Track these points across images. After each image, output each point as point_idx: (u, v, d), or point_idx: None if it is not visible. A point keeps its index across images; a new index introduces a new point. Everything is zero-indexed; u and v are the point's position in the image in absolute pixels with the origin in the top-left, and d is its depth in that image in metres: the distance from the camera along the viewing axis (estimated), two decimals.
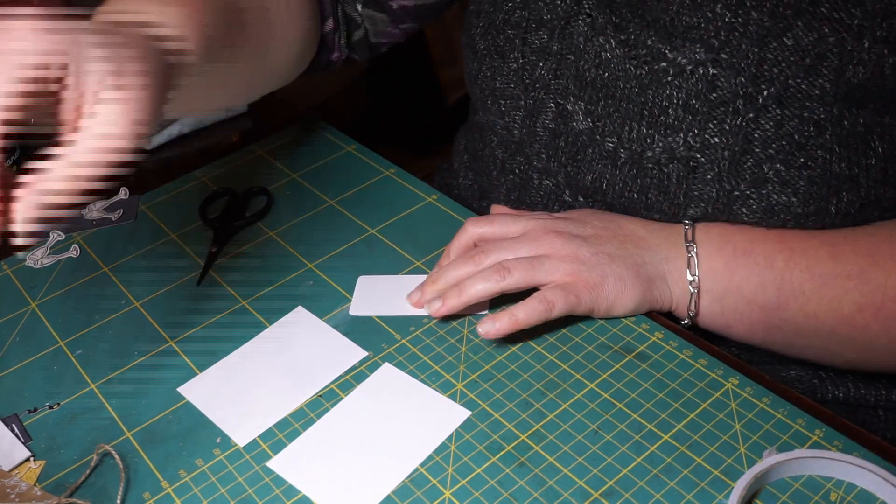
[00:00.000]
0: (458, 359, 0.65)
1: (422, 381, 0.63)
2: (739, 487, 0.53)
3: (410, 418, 0.61)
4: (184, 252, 0.77)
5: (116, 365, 0.67)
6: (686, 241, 0.66)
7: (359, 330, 0.68)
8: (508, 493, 0.56)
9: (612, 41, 0.66)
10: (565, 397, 0.61)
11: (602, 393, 0.61)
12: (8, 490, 0.58)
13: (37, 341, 0.69)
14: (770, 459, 0.54)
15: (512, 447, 0.58)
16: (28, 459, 0.60)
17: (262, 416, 0.62)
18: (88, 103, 0.47)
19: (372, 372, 0.64)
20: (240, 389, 0.64)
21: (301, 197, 0.82)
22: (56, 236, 0.79)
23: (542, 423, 0.60)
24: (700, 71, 0.63)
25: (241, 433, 0.61)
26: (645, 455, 0.57)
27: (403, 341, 0.67)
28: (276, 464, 0.59)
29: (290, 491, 0.57)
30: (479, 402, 0.62)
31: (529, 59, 0.71)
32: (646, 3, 0.65)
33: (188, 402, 0.64)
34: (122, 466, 0.58)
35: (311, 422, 0.61)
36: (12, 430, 0.62)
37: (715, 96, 0.63)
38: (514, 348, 0.65)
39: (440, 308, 0.66)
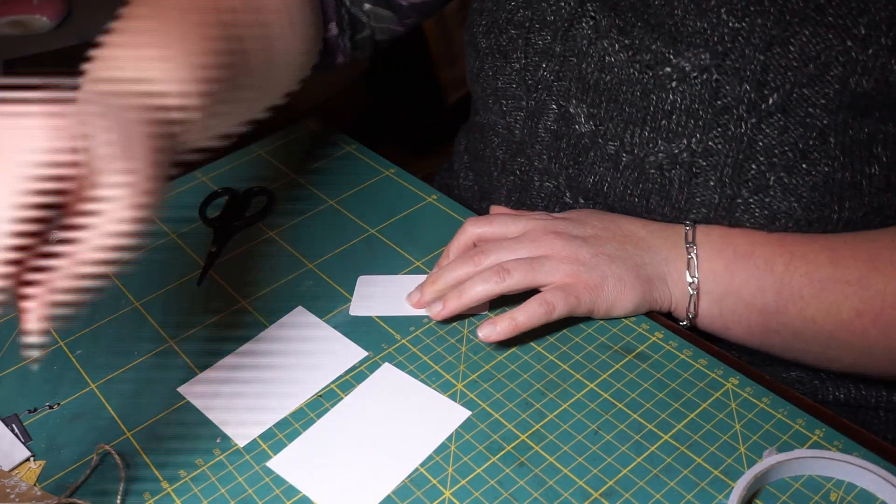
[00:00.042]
0: (458, 359, 0.65)
1: (422, 381, 0.63)
2: (739, 487, 0.53)
3: (410, 418, 0.61)
4: (184, 252, 0.77)
5: (116, 365, 0.67)
6: (686, 242, 0.66)
7: (359, 330, 0.68)
8: (508, 493, 0.56)
9: (616, 45, 0.66)
10: (565, 397, 0.61)
11: (602, 393, 0.61)
12: (8, 490, 0.58)
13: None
14: (770, 459, 0.54)
15: (512, 447, 0.58)
16: (28, 459, 0.60)
17: (262, 416, 0.62)
18: (95, 192, 0.47)
19: (372, 372, 0.64)
20: (240, 389, 0.64)
21: (301, 197, 0.82)
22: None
23: (542, 423, 0.60)
24: (704, 76, 0.62)
25: (241, 433, 0.61)
26: (645, 455, 0.57)
27: (403, 341, 0.67)
28: (276, 464, 0.59)
29: (290, 491, 0.57)
30: (479, 402, 0.62)
31: (532, 59, 0.71)
32: (650, 7, 0.64)
33: (188, 402, 0.64)
34: (122, 466, 0.58)
35: (311, 422, 0.61)
36: (12, 430, 0.62)
37: (719, 102, 0.62)
38: (514, 348, 0.65)
39: (441, 310, 0.66)
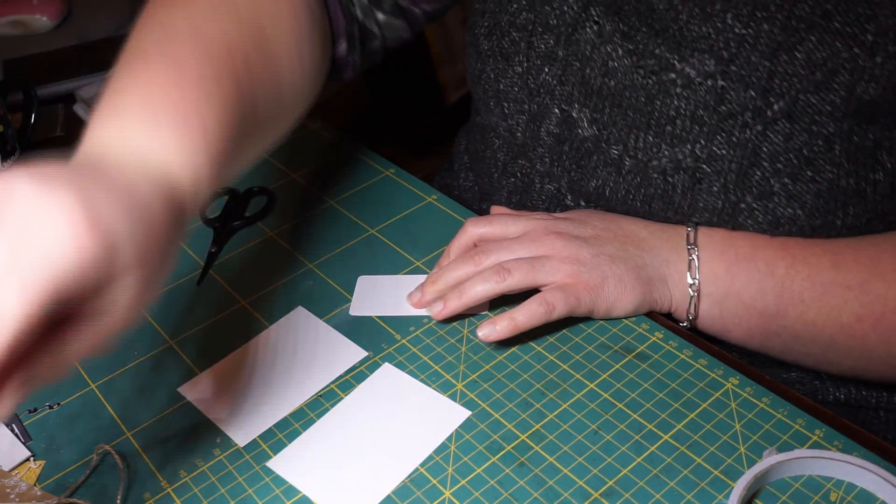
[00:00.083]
0: (458, 359, 0.65)
1: (422, 381, 0.63)
2: (739, 487, 0.53)
3: (410, 418, 0.61)
4: (184, 252, 0.77)
5: (116, 365, 0.67)
6: (688, 243, 0.66)
7: (359, 330, 0.68)
8: (508, 493, 0.56)
9: (620, 50, 0.66)
10: (565, 397, 0.61)
11: (602, 393, 0.61)
12: (8, 490, 0.58)
13: None
14: (770, 459, 0.54)
15: (512, 447, 0.58)
16: (28, 459, 0.60)
17: (262, 416, 0.62)
18: (101, 297, 0.44)
19: (372, 372, 0.64)
20: (240, 389, 0.64)
21: (301, 197, 0.82)
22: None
23: (542, 423, 0.60)
24: (709, 83, 0.62)
25: (241, 433, 0.61)
26: (645, 455, 0.57)
27: (403, 341, 0.67)
28: (276, 464, 0.59)
29: (290, 491, 0.57)
30: (479, 402, 0.62)
31: (534, 63, 0.71)
32: (655, 13, 0.64)
33: (188, 402, 0.64)
34: (122, 466, 0.58)
35: (311, 422, 0.61)
36: (12, 430, 0.62)
37: (723, 108, 0.62)
38: (514, 348, 0.65)
39: (441, 310, 0.66)
